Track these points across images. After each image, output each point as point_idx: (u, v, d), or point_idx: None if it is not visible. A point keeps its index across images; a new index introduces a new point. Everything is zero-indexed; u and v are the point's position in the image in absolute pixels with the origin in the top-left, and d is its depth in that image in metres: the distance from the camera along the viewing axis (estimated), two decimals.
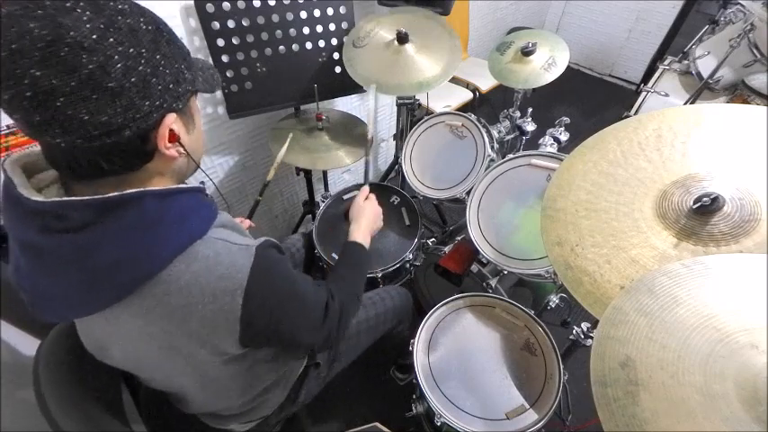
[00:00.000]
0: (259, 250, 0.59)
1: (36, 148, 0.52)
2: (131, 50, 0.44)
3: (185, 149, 0.56)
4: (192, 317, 0.55)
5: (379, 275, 1.22)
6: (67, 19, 0.40)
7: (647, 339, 0.48)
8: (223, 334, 0.58)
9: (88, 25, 0.41)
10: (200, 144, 0.63)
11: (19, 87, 0.40)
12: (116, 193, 0.48)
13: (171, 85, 0.49)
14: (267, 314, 0.61)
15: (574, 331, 0.99)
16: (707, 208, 0.57)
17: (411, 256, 1.26)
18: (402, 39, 1.22)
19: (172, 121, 0.51)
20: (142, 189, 0.50)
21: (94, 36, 0.41)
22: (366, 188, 1.10)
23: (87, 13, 0.42)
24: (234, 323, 0.57)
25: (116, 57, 0.43)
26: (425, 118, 1.37)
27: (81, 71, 0.41)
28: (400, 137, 1.67)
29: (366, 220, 1.01)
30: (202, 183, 0.71)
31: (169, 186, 0.54)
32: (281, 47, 1.21)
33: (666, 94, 1.81)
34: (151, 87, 0.47)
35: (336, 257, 1.23)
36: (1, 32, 0.39)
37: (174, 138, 0.53)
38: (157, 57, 0.47)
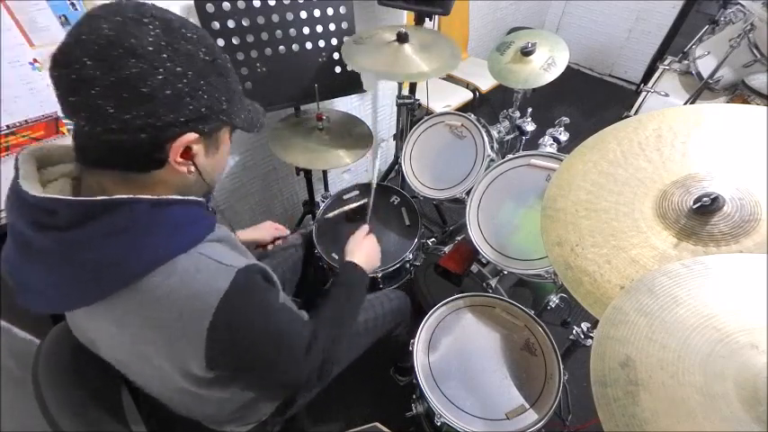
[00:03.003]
0: (240, 273, 0.57)
1: (54, 142, 0.54)
2: (178, 69, 0.48)
3: (198, 169, 0.57)
4: (161, 331, 0.54)
5: (379, 275, 1.22)
6: (135, 29, 0.46)
7: (647, 339, 0.48)
8: (189, 354, 0.56)
9: (150, 38, 0.46)
10: (218, 169, 0.64)
11: (68, 69, 0.45)
12: (104, 198, 0.49)
13: (203, 110, 0.52)
14: (235, 343, 0.57)
15: (574, 331, 0.99)
16: (707, 208, 0.57)
17: (411, 256, 1.26)
18: (402, 38, 1.22)
19: (191, 139, 0.52)
20: (132, 196, 0.50)
21: (150, 48, 0.46)
22: (366, 227, 1.08)
23: (157, 30, 0.47)
24: (198, 348, 0.55)
25: (160, 69, 0.46)
26: (425, 118, 1.37)
27: (122, 71, 0.45)
28: (400, 137, 1.67)
29: (363, 254, 0.97)
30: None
31: (164, 196, 0.54)
32: (281, 47, 1.21)
33: (666, 94, 1.81)
34: (182, 104, 0.49)
35: (336, 257, 1.23)
36: (81, 25, 0.46)
37: (188, 155, 0.54)
38: (201, 82, 0.50)
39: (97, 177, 0.53)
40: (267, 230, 1.12)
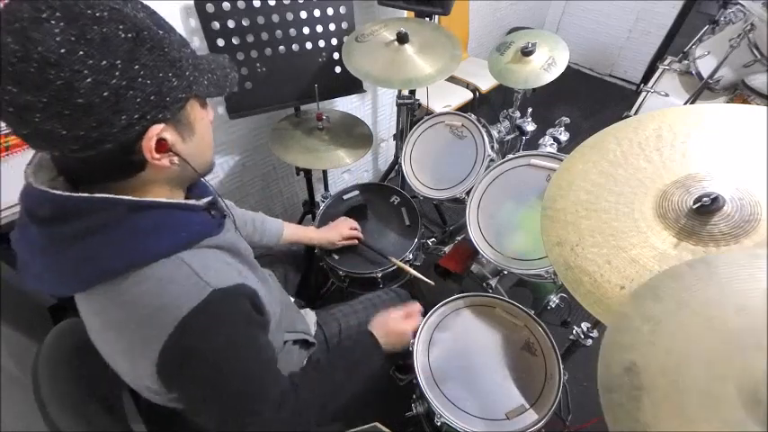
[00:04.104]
0: (216, 294, 0.53)
1: None
2: (103, 63, 0.42)
3: (182, 157, 0.53)
4: (124, 335, 0.53)
5: (379, 276, 1.22)
6: (37, 32, 0.39)
7: (651, 344, 0.48)
8: (142, 367, 0.53)
9: (58, 39, 0.40)
10: (204, 149, 0.59)
11: (1, 102, 0.41)
12: (85, 195, 0.48)
13: (152, 97, 0.46)
14: (185, 372, 0.53)
15: (574, 331, 0.99)
16: (707, 208, 0.57)
17: (411, 256, 1.26)
18: (402, 38, 1.22)
19: (157, 132, 0.48)
20: (111, 196, 0.49)
21: (63, 50, 0.40)
22: (417, 306, 0.94)
23: (61, 24, 0.40)
24: (151, 364, 0.52)
25: (85, 71, 0.41)
26: (425, 118, 1.36)
27: (50, 87, 0.40)
28: (400, 137, 1.67)
29: (389, 335, 0.86)
30: (212, 198, 0.66)
31: (147, 198, 0.52)
32: (281, 47, 1.21)
33: (666, 94, 1.81)
34: (126, 101, 0.44)
35: (336, 257, 1.23)
36: None
37: (163, 147, 0.51)
38: (135, 67, 0.44)
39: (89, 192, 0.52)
40: (339, 230, 1.18)
